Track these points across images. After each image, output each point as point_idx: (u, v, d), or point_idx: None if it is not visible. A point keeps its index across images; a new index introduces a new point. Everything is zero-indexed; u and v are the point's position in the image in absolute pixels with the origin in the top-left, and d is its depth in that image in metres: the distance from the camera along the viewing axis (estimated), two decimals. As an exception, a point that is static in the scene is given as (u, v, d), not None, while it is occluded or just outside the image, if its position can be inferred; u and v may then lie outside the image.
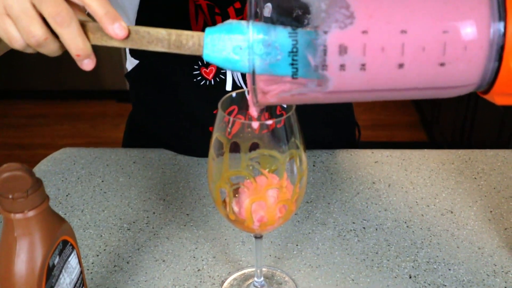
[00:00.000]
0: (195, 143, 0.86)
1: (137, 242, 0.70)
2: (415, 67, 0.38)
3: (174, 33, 0.45)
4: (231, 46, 0.41)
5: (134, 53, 0.82)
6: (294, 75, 0.40)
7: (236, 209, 0.52)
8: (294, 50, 0.39)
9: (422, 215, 0.74)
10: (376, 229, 0.72)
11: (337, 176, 0.83)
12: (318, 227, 0.72)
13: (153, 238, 0.71)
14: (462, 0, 0.38)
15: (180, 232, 0.72)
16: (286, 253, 0.68)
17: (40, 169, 0.86)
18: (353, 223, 0.73)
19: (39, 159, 0.89)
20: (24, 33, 0.45)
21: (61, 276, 0.49)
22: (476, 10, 0.37)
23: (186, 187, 0.81)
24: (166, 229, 0.72)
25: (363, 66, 0.38)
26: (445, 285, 0.63)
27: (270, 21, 0.39)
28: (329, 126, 0.93)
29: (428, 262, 0.66)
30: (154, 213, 0.76)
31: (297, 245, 0.69)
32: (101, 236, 0.72)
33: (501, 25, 0.37)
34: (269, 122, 0.49)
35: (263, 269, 0.66)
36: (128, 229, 0.73)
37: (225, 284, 0.64)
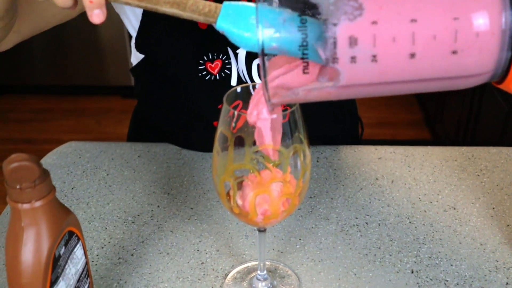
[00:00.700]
0: (199, 138, 0.87)
1: (142, 235, 0.71)
2: (427, 56, 0.38)
3: None
4: (244, 24, 0.42)
5: (140, 47, 0.82)
6: (305, 70, 0.40)
7: (240, 202, 0.53)
8: (304, 44, 0.39)
9: (425, 211, 0.74)
10: (379, 225, 0.72)
11: (340, 172, 0.83)
12: (321, 222, 0.73)
13: (158, 231, 0.72)
14: None
15: (184, 226, 0.72)
16: (289, 247, 0.69)
17: (46, 162, 0.87)
18: (356, 218, 0.73)
19: (44, 153, 0.90)
20: None
21: (66, 266, 0.50)
22: None
23: (191, 181, 0.81)
24: (171, 222, 0.73)
25: (374, 58, 0.38)
26: (447, 280, 0.63)
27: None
28: (332, 121, 0.93)
29: (430, 257, 0.67)
30: (158, 206, 0.76)
31: (300, 239, 0.70)
32: (106, 228, 0.72)
33: None
34: (274, 116, 0.49)
35: (266, 262, 0.66)
36: (133, 222, 0.73)
37: (229, 277, 0.64)
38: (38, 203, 0.45)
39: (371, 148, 0.90)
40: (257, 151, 0.51)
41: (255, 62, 0.79)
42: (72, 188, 0.80)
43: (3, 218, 0.74)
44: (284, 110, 0.51)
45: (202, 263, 0.66)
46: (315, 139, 0.89)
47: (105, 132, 2.77)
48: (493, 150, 0.88)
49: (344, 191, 0.79)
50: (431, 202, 0.76)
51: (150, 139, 0.93)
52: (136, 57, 0.87)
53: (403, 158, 0.86)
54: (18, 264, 0.46)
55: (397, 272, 0.64)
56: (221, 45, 0.78)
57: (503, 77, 0.40)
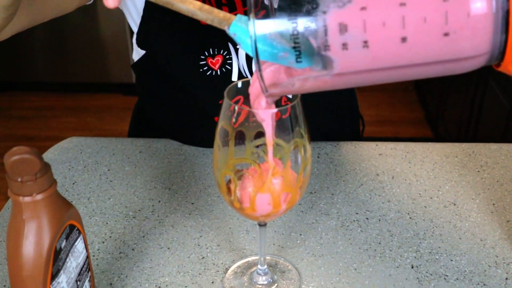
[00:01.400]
0: (200, 134, 0.87)
1: (143, 229, 0.71)
2: (419, 39, 0.38)
3: (208, 4, 0.46)
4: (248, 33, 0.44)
5: (141, 43, 0.82)
6: (298, 59, 0.40)
7: (239, 193, 0.53)
8: (295, 33, 0.39)
9: (425, 206, 0.75)
10: (379, 220, 0.72)
11: (341, 168, 0.83)
12: (321, 217, 0.73)
13: (158, 226, 0.72)
14: None
15: (185, 221, 0.73)
16: (289, 242, 0.69)
17: (47, 157, 0.87)
18: (357, 213, 0.73)
19: (45, 151, 0.90)
20: None
21: (67, 259, 0.50)
22: None
23: (191, 176, 0.82)
24: (171, 217, 0.73)
25: (365, 43, 0.38)
26: (447, 275, 0.63)
27: (270, 8, 0.40)
28: (334, 116, 0.93)
29: (430, 252, 0.67)
30: (159, 201, 0.76)
31: (300, 234, 0.70)
32: (107, 223, 0.72)
33: None
34: (274, 110, 0.49)
35: (267, 257, 0.66)
36: (134, 217, 0.73)
37: (229, 271, 0.64)
38: (39, 196, 0.45)
39: (372, 144, 0.90)
40: (258, 146, 0.52)
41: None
42: (73, 183, 0.80)
43: (4, 212, 0.74)
44: (285, 106, 0.51)
45: (203, 257, 0.66)
46: (316, 135, 0.89)
47: (107, 129, 2.77)
48: (493, 146, 0.88)
49: (345, 186, 0.79)
50: (431, 198, 0.76)
51: (150, 135, 0.93)
52: (137, 54, 0.88)
53: (404, 154, 0.86)
54: (19, 257, 0.46)
55: (397, 267, 0.65)
56: (222, 40, 0.78)
57: (500, 59, 0.39)
